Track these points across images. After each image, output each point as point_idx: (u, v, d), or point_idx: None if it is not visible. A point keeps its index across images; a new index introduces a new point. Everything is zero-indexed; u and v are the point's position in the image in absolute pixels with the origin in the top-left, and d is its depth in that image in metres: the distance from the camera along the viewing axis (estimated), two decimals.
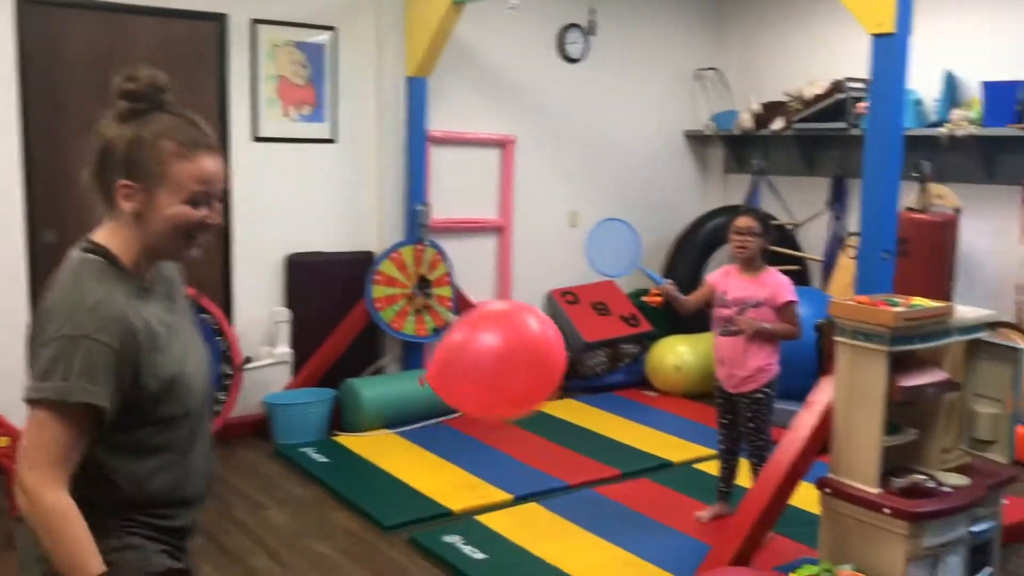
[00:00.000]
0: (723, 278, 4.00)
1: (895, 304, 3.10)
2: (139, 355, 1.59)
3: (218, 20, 5.07)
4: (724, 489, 4.10)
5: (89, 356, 1.53)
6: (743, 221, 3.91)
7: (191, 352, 1.73)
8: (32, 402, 1.55)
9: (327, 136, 5.52)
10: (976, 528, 3.22)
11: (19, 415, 2.69)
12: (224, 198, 1.76)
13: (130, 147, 1.61)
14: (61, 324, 1.55)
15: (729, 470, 4.08)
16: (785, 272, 4.11)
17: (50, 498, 1.52)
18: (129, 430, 1.62)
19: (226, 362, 4.97)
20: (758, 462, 3.86)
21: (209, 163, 1.67)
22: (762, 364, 3.84)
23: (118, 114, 1.64)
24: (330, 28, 5.45)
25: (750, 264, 3.91)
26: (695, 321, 6.51)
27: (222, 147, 5.12)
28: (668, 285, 3.99)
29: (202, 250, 1.71)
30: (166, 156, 1.62)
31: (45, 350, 1.55)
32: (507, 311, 2.22)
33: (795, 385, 4.21)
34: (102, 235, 1.67)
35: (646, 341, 6.43)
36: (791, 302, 3.83)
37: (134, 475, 1.65)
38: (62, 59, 4.68)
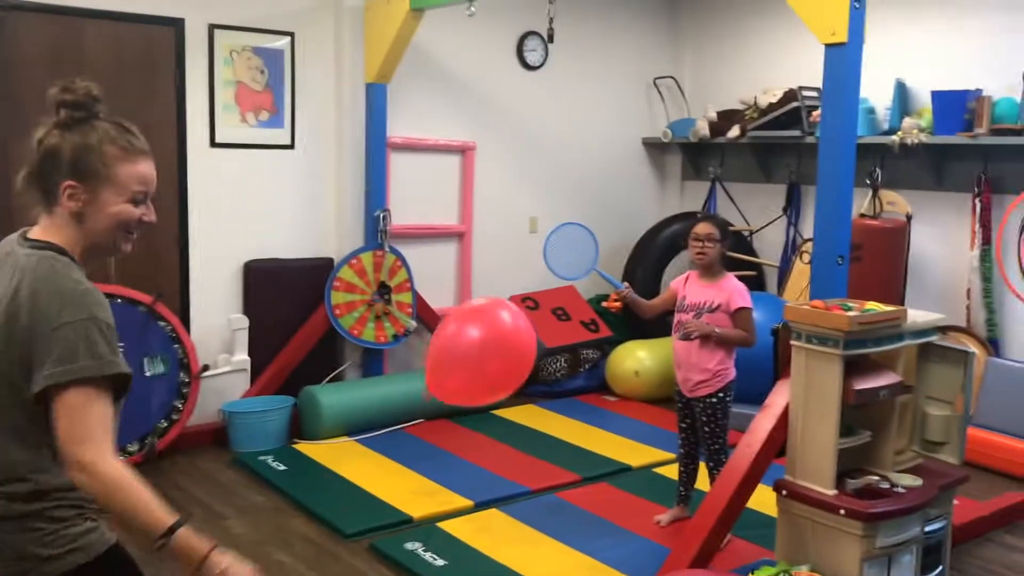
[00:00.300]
0: (683, 284, 4.05)
1: (849, 308, 3.16)
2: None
3: (175, 25, 5.02)
4: (683, 492, 4.14)
5: (102, 334, 1.68)
6: (702, 228, 3.96)
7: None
8: (66, 384, 1.62)
9: (286, 142, 5.49)
10: (928, 528, 3.29)
11: None
12: (153, 200, 1.87)
13: (76, 152, 1.75)
14: (62, 312, 1.66)
15: (688, 474, 4.12)
16: (741, 278, 4.16)
17: (113, 467, 1.63)
18: None
19: (183, 370, 4.91)
20: (714, 466, 3.91)
21: (147, 166, 1.83)
22: (716, 368, 3.88)
23: (59, 122, 1.78)
24: (288, 34, 5.42)
25: (709, 270, 3.96)
26: (654, 326, 6.59)
27: (179, 153, 5.13)
28: (626, 289, 4.04)
29: (132, 246, 1.85)
30: (110, 159, 1.77)
31: (56, 336, 1.64)
32: (483, 307, 2.37)
33: (752, 389, 4.27)
34: (42, 233, 1.78)
35: (606, 346, 6.47)
36: (744, 308, 3.86)
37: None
38: (14, 63, 4.60)
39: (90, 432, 1.62)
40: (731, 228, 4.11)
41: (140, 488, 1.65)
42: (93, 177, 1.75)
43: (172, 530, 1.66)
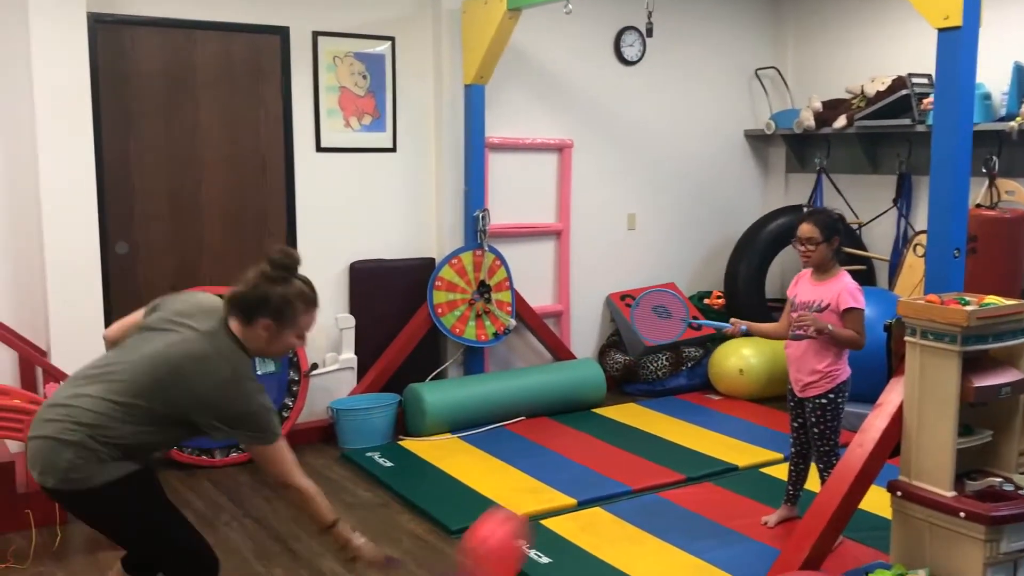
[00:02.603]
0: (798, 284, 3.95)
1: (966, 303, 3.03)
2: None
3: (280, 33, 5.18)
4: (792, 492, 4.04)
5: (270, 412, 2.57)
6: (804, 229, 3.82)
7: None
8: (270, 440, 2.53)
9: (388, 145, 5.59)
10: None
11: None
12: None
13: (280, 302, 2.54)
14: (260, 397, 2.53)
15: (798, 473, 4.03)
16: (851, 272, 4.02)
17: (308, 484, 2.58)
18: (169, 424, 2.54)
19: (293, 368, 5.06)
20: (824, 468, 3.80)
21: (315, 316, 2.66)
22: (826, 369, 3.76)
23: (272, 276, 2.55)
24: (388, 38, 5.52)
25: (820, 268, 3.84)
26: (759, 322, 6.46)
27: (287, 158, 5.29)
28: (732, 328, 3.91)
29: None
30: (298, 312, 2.58)
31: (249, 413, 2.50)
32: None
33: (864, 387, 4.14)
34: (237, 329, 2.56)
35: (708, 344, 6.38)
36: (854, 309, 3.70)
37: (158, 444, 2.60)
38: (132, 74, 4.83)
39: (291, 466, 2.60)
40: (840, 221, 3.95)
41: (320, 498, 2.62)
42: (283, 321, 2.56)
43: (334, 524, 2.61)
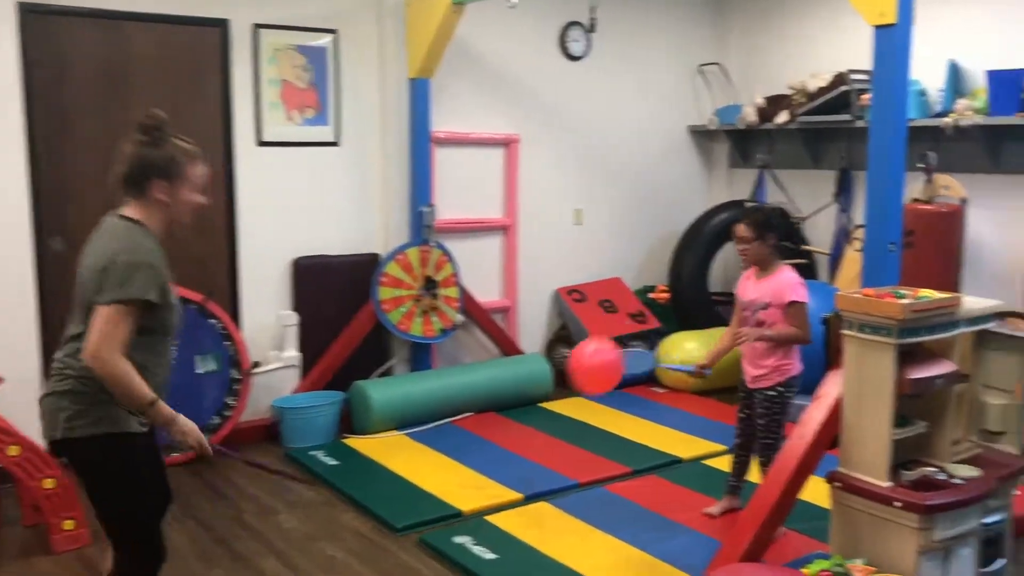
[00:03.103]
0: (743, 282, 3.99)
1: (902, 296, 3.08)
2: (167, 283, 2.54)
3: (220, 26, 5.08)
4: (734, 483, 4.09)
5: (145, 275, 2.46)
6: (738, 228, 3.87)
7: (174, 291, 2.64)
8: (107, 303, 2.41)
9: (331, 139, 5.52)
10: (988, 520, 3.21)
11: (31, 424, 2.76)
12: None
13: (163, 160, 2.57)
14: (128, 256, 2.46)
15: (740, 464, 4.08)
16: (793, 266, 4.08)
17: (120, 365, 2.42)
18: (144, 334, 2.50)
19: (235, 367, 4.98)
20: (765, 461, 3.85)
21: (205, 169, 2.69)
22: (775, 363, 3.81)
23: (145, 140, 2.57)
24: (331, 31, 5.45)
25: (761, 266, 3.88)
26: (703, 318, 6.53)
27: (227, 152, 5.20)
28: (699, 369, 3.96)
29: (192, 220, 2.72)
30: (185, 165, 2.60)
31: (114, 275, 2.43)
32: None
33: (805, 379, 4.19)
34: (132, 212, 2.57)
35: (654, 338, 6.42)
36: (795, 303, 3.76)
37: (144, 366, 2.50)
38: (66, 67, 4.69)
39: (110, 340, 2.41)
40: (777, 217, 3.99)
41: (136, 380, 2.44)
42: (176, 177, 2.58)
43: (153, 402, 2.49)
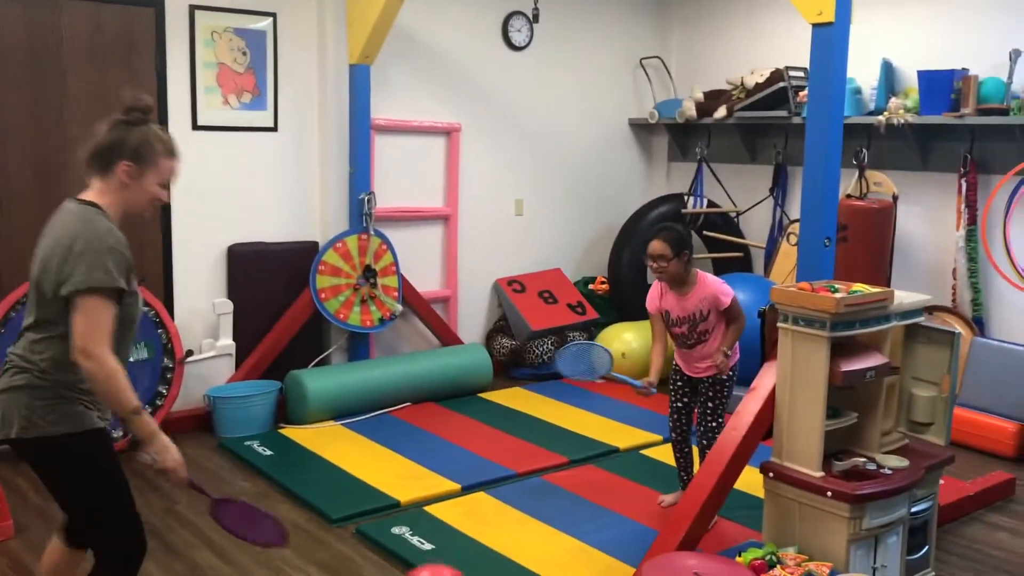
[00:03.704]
0: (660, 299, 3.94)
1: (836, 290, 3.15)
2: (131, 269, 2.43)
3: (154, 6, 4.95)
4: (685, 478, 4.08)
5: (114, 260, 2.36)
6: (654, 247, 3.79)
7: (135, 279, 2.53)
8: (83, 292, 2.30)
9: (269, 124, 5.43)
10: (915, 509, 3.30)
11: None
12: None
13: (138, 142, 2.48)
14: (89, 243, 2.34)
15: (684, 458, 4.08)
16: (729, 260, 4.12)
17: (111, 362, 2.33)
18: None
19: (167, 355, 4.87)
20: (707, 444, 3.87)
21: (176, 167, 2.59)
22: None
23: (127, 120, 2.49)
24: (270, 14, 5.35)
25: (679, 282, 3.86)
26: (641, 309, 6.58)
27: None
28: (645, 387, 3.88)
29: (151, 215, 2.66)
30: (158, 153, 2.51)
31: (81, 260, 2.32)
32: None
33: (741, 370, 4.26)
34: (92, 196, 2.48)
35: (593, 328, 6.46)
36: (731, 302, 3.82)
37: None
38: None
39: (100, 333, 2.31)
40: (688, 233, 3.95)
41: (124, 381, 2.35)
42: (144, 162, 2.49)
43: (138, 410, 2.38)
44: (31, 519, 3.91)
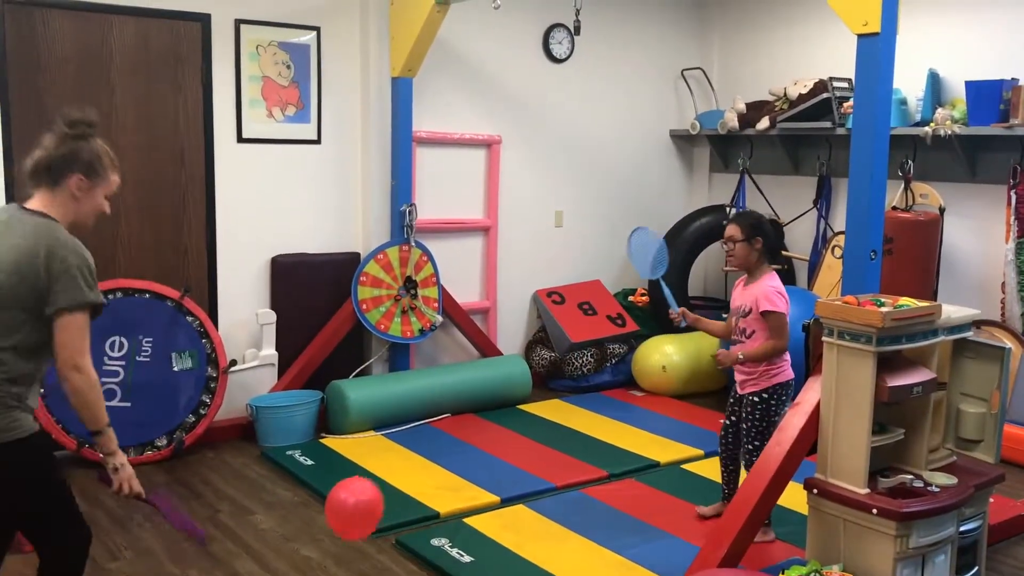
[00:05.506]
0: (735, 288, 4.00)
1: (882, 304, 3.10)
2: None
3: (201, 20, 5.04)
4: (727, 492, 4.04)
5: (92, 275, 2.46)
6: (728, 229, 3.87)
7: None
8: (72, 309, 2.38)
9: (312, 137, 5.49)
10: (963, 527, 3.24)
11: None
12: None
13: (90, 155, 2.54)
14: (75, 259, 2.41)
15: (729, 474, 4.03)
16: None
17: (95, 376, 2.42)
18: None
19: (211, 365, 4.93)
20: (746, 464, 3.82)
21: (118, 179, 2.64)
22: (762, 368, 3.79)
23: (74, 134, 2.53)
24: (314, 28, 5.42)
25: (749, 271, 3.87)
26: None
27: (207, 148, 5.15)
28: (676, 315, 3.94)
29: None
30: (107, 168, 2.58)
31: (73, 275, 2.39)
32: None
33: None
34: (40, 206, 2.49)
35: (633, 341, 6.43)
36: (770, 312, 3.72)
37: (40, 370, 2.49)
38: (43, 59, 4.63)
39: (84, 347, 2.40)
40: (765, 223, 3.95)
41: (100, 394, 2.46)
42: (95, 176, 2.55)
43: (109, 424, 2.47)
44: None
